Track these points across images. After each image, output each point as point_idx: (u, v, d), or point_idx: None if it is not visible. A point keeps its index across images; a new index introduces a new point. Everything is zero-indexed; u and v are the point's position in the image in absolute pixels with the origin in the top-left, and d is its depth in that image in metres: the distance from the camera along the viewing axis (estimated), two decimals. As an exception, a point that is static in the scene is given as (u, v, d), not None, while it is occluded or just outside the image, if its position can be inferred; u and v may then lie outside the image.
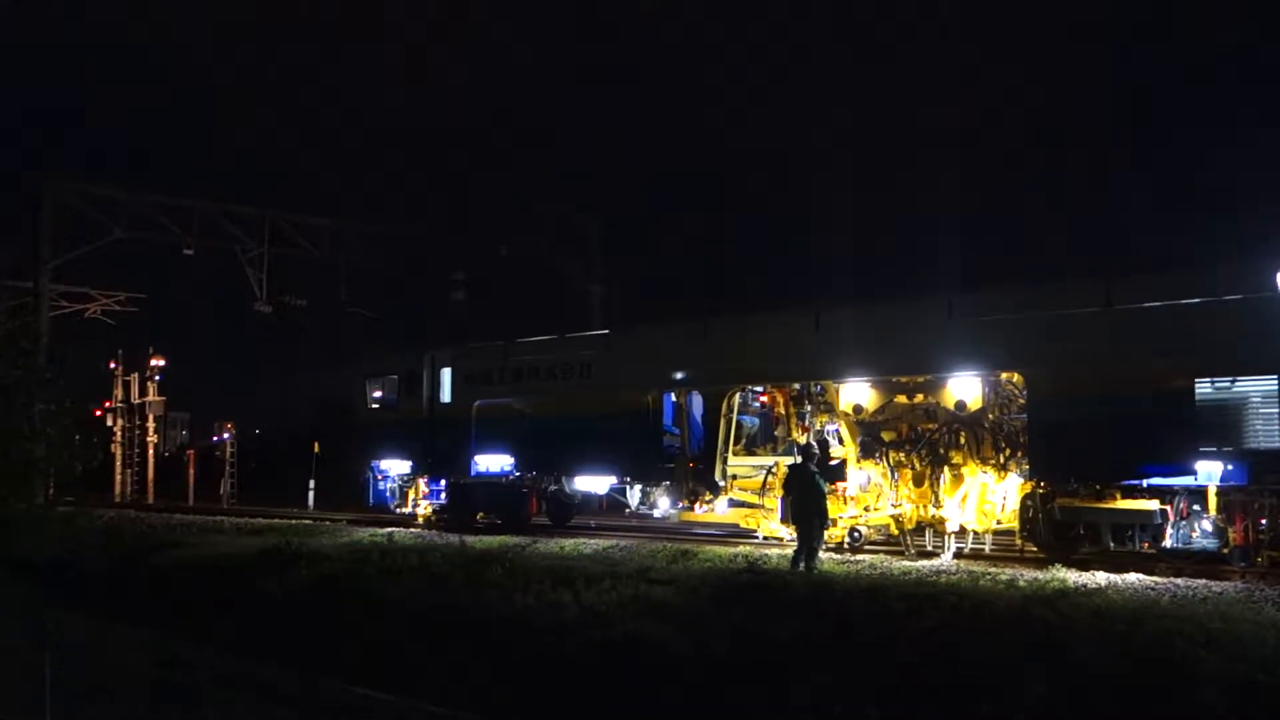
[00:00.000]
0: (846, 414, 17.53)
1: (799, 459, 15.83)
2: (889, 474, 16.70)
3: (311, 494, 35.32)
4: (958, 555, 15.96)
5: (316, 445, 35.55)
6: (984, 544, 16.43)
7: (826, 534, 15.63)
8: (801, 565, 14.44)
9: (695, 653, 11.04)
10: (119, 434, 44.76)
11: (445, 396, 23.78)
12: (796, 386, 18.78)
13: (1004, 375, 16.15)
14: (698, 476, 19.19)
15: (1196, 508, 13.94)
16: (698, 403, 19.83)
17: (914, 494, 16.43)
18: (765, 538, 18.14)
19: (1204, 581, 12.82)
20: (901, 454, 16.56)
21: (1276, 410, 13.21)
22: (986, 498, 16.08)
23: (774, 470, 18.03)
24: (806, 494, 14.94)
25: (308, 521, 26.88)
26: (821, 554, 15.09)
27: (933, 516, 16.23)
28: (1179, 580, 13.00)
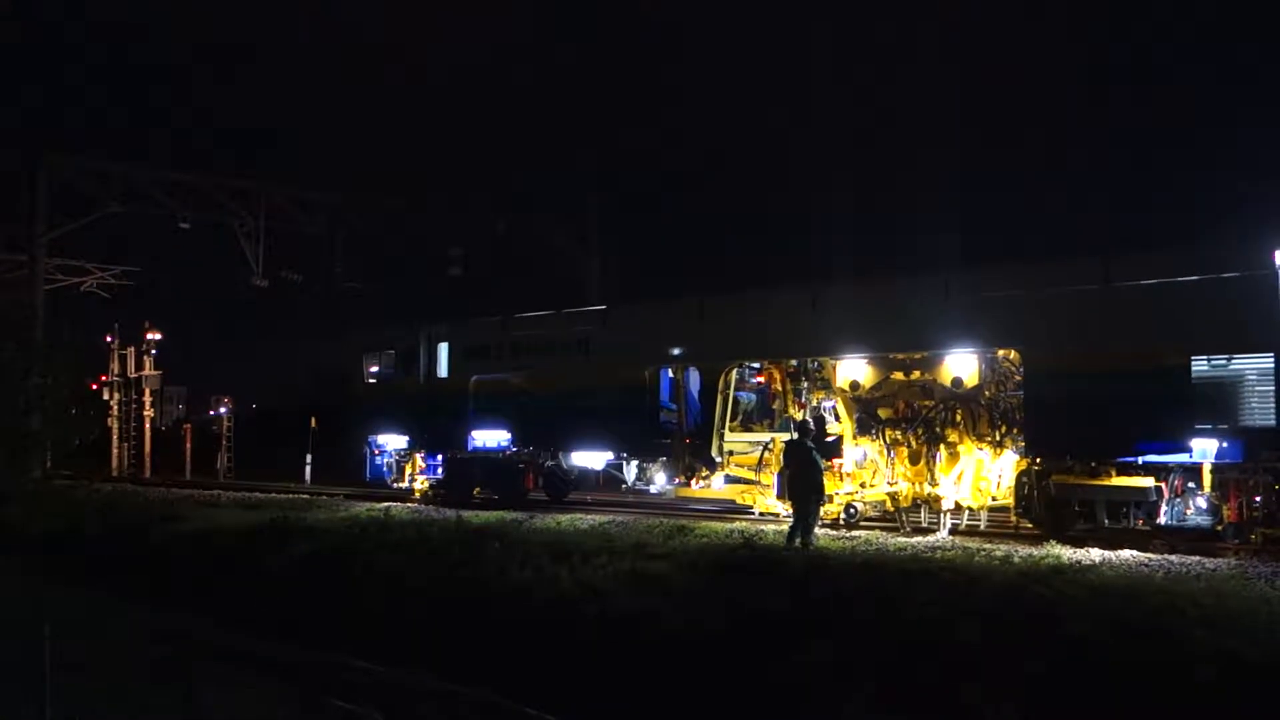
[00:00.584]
0: (843, 390, 17.54)
1: (796, 435, 15.85)
2: (885, 452, 16.74)
3: (308, 468, 35.36)
4: (953, 532, 16.02)
5: (314, 420, 35.55)
6: (979, 520, 16.49)
7: (822, 510, 15.69)
8: (797, 541, 14.49)
9: (691, 628, 11.10)
10: (115, 408, 44.70)
11: (442, 371, 23.78)
12: (793, 363, 18.79)
13: (1001, 352, 16.16)
14: (694, 452, 19.23)
15: (1191, 485, 13.98)
16: (695, 379, 19.83)
17: (910, 472, 16.47)
18: (761, 513, 18.18)
19: (1198, 558, 12.88)
20: (898, 432, 16.59)
21: (1272, 388, 13.23)
22: (982, 474, 16.13)
23: (770, 446, 18.05)
24: (803, 470, 14.97)
25: (305, 496, 26.91)
26: (817, 530, 15.14)
27: (928, 494, 16.29)
28: (1173, 557, 13.06)
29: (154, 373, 43.74)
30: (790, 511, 15.48)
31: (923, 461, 16.26)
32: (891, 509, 16.77)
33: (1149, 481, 14.19)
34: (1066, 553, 13.37)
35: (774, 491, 17.47)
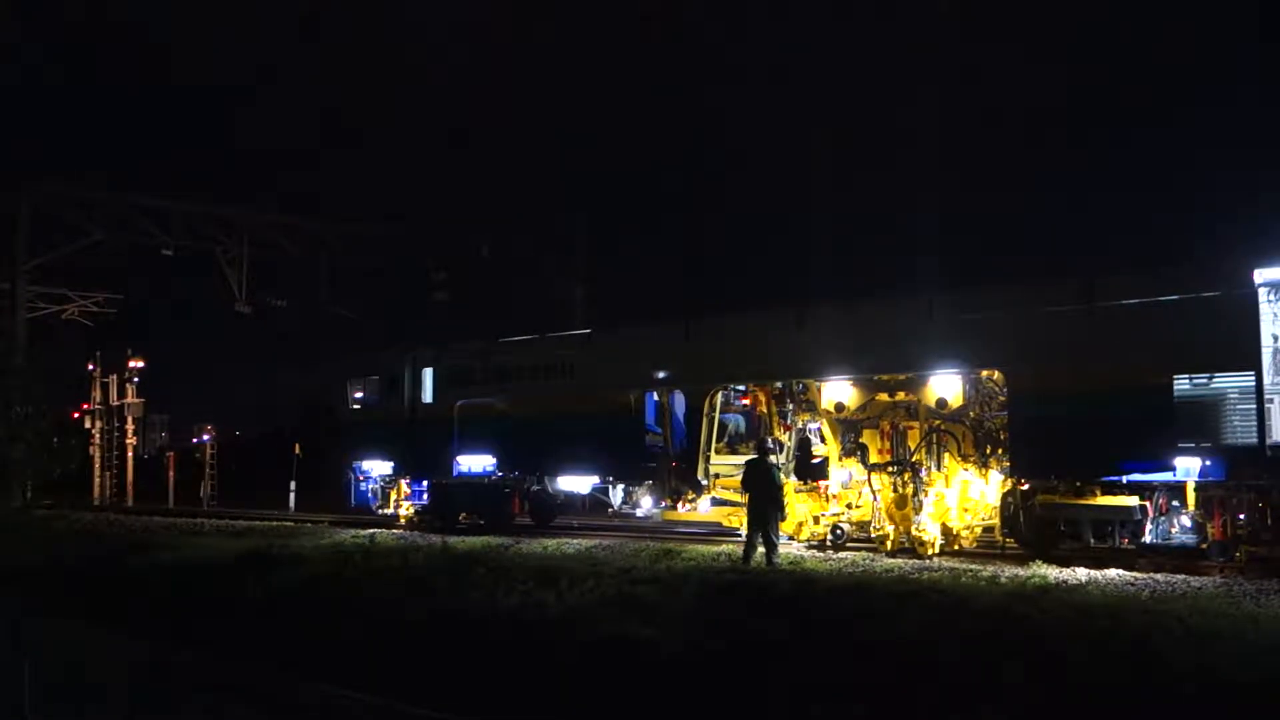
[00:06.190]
0: (828, 412, 17.55)
1: (756, 455, 15.84)
2: (870, 484, 16.66)
3: (293, 496, 35.16)
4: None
5: (297, 446, 35.39)
6: (965, 541, 16.47)
7: (812, 530, 15.64)
8: (763, 560, 14.54)
9: (679, 652, 11.04)
10: (97, 436, 44.39)
11: (427, 397, 23.73)
12: (778, 385, 18.80)
13: (985, 373, 16.21)
14: (680, 475, 19.20)
15: (1175, 503, 14.04)
16: (680, 402, 19.83)
17: (898, 515, 16.30)
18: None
19: (1183, 577, 12.92)
20: (885, 474, 16.50)
21: (1254, 406, 13.31)
22: (968, 495, 16.15)
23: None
24: (768, 490, 15.01)
25: (289, 523, 26.74)
26: (804, 552, 15.13)
27: (914, 536, 16.09)
28: (1158, 576, 13.09)
29: (136, 400, 43.48)
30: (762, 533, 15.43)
31: (909, 503, 16.17)
32: (878, 530, 16.71)
33: (1134, 501, 14.26)
34: (1053, 572, 13.40)
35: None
